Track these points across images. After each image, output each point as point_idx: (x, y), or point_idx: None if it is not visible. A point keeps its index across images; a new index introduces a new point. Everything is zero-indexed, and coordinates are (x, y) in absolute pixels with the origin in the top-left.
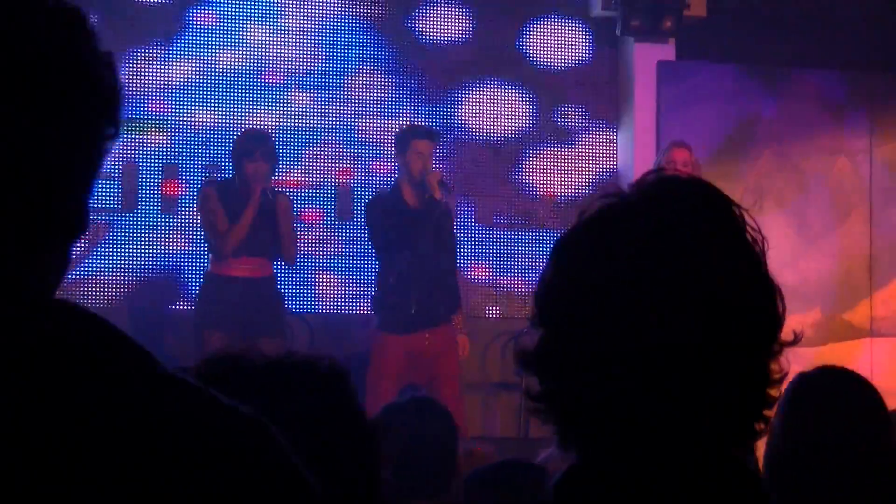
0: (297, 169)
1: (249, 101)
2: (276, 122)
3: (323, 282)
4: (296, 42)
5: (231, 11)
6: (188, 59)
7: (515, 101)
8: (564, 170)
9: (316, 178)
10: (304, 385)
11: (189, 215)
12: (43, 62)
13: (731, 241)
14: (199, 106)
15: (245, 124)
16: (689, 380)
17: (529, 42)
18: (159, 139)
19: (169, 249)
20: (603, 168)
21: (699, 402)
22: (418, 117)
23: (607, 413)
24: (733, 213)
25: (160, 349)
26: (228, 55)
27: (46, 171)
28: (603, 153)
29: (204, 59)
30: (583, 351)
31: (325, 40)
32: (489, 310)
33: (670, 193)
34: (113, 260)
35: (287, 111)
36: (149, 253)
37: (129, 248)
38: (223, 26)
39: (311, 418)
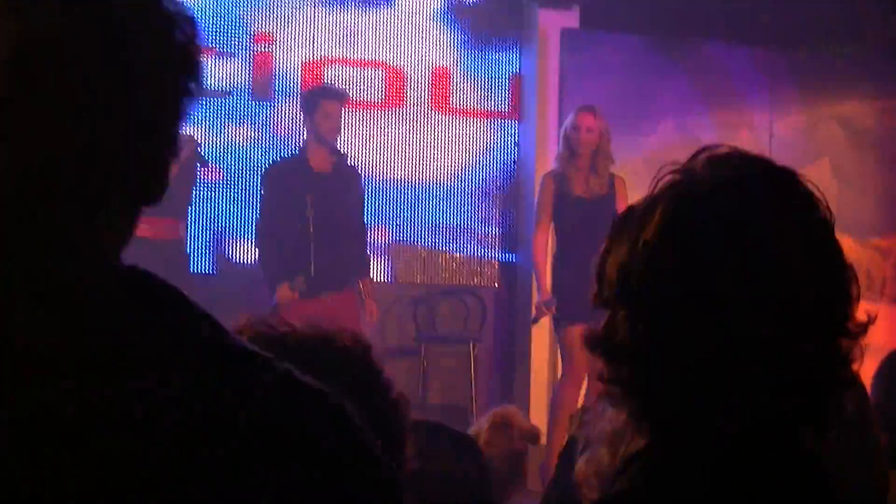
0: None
1: None
2: None
3: (226, 243)
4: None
5: None
6: None
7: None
8: (466, 131)
9: (222, 136)
10: (328, 355)
11: None
12: (117, 14)
13: (807, 217)
14: None
15: None
16: (766, 360)
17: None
18: None
19: None
20: (502, 138)
21: (774, 385)
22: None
23: (683, 397)
24: (804, 188)
25: None
26: None
27: (124, 129)
28: (502, 121)
29: None
30: (660, 336)
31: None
32: (388, 273)
33: (741, 172)
34: None
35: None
36: None
37: None
38: None
39: (340, 391)
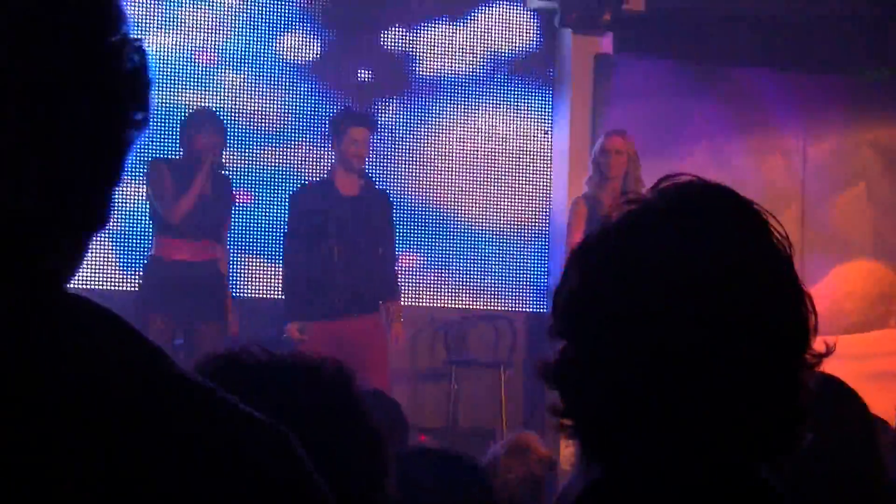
0: (233, 151)
1: (183, 81)
2: (209, 103)
3: (254, 265)
4: (229, 22)
5: None
6: None
7: (451, 87)
8: (497, 165)
9: (250, 159)
10: (309, 386)
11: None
12: (65, 43)
13: (760, 247)
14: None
15: (180, 104)
16: (719, 393)
17: (469, 29)
18: None
19: (108, 230)
20: (537, 162)
21: (728, 417)
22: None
23: (634, 428)
24: (760, 218)
25: None
26: (160, 36)
27: (67, 160)
28: (538, 148)
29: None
30: (610, 365)
31: (259, 21)
32: (419, 298)
33: (696, 200)
34: None
35: (220, 92)
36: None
37: None
38: (157, 7)
39: (318, 422)
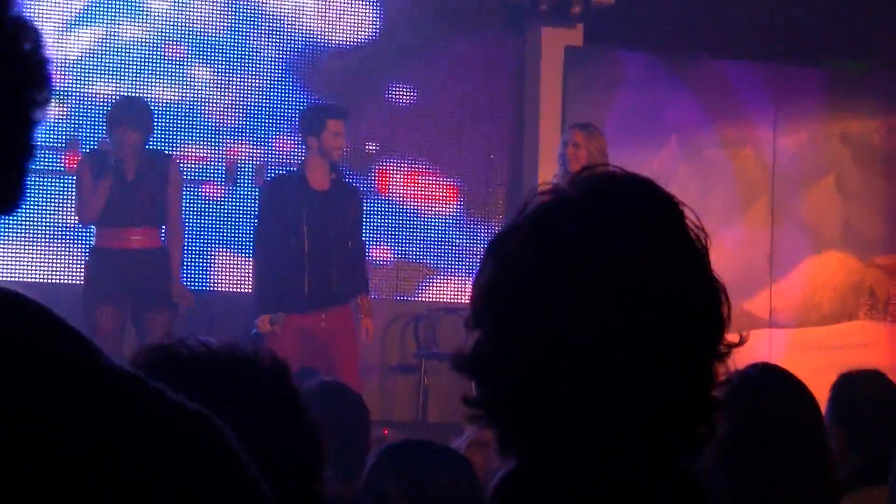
0: (199, 144)
1: (151, 73)
2: (178, 95)
3: (223, 260)
4: (199, 15)
5: None
6: (89, 30)
7: (420, 79)
8: (469, 153)
9: (216, 152)
10: (246, 378)
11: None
12: None
13: (674, 239)
14: (101, 78)
15: (147, 97)
16: (631, 383)
17: (437, 24)
18: (60, 112)
19: (61, 221)
20: (507, 154)
21: (642, 406)
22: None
23: (547, 418)
24: (676, 210)
25: None
26: (130, 27)
27: None
28: (506, 138)
29: (105, 32)
30: (523, 354)
31: (230, 13)
32: (388, 291)
33: (611, 191)
34: (5, 232)
35: (189, 85)
36: (41, 225)
37: (26, 219)
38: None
39: (254, 413)
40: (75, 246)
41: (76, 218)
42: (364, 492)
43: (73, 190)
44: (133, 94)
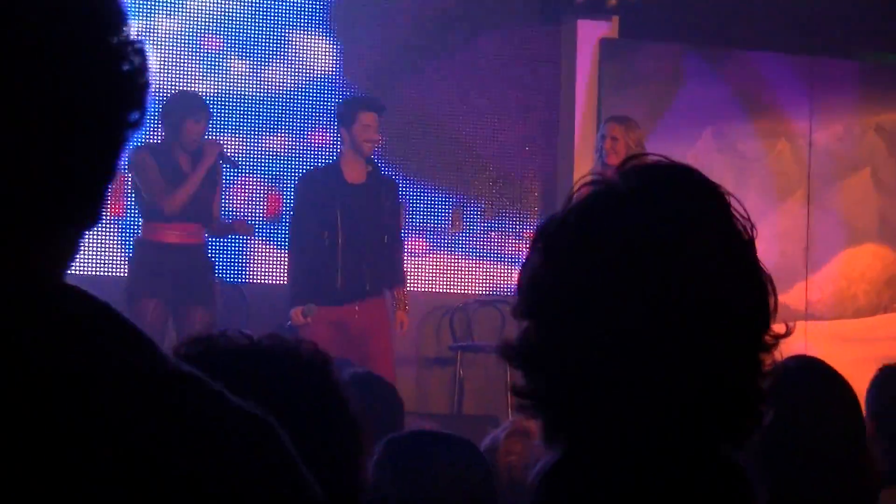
0: (235, 136)
1: (188, 67)
2: (213, 89)
3: (259, 251)
4: (235, 9)
5: None
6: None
7: (456, 73)
8: (505, 146)
9: (251, 145)
10: (287, 370)
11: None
12: (66, 43)
13: (721, 230)
14: None
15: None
16: (678, 374)
17: (473, 18)
18: None
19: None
20: (542, 146)
21: (689, 397)
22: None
23: (594, 408)
24: (722, 201)
25: None
26: (166, 21)
27: (64, 157)
28: (542, 131)
29: (141, 25)
30: (571, 344)
31: (266, 7)
32: (424, 283)
33: (659, 182)
34: None
35: (225, 78)
36: None
37: None
38: None
39: (296, 404)
40: (107, 238)
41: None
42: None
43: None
44: (187, 89)
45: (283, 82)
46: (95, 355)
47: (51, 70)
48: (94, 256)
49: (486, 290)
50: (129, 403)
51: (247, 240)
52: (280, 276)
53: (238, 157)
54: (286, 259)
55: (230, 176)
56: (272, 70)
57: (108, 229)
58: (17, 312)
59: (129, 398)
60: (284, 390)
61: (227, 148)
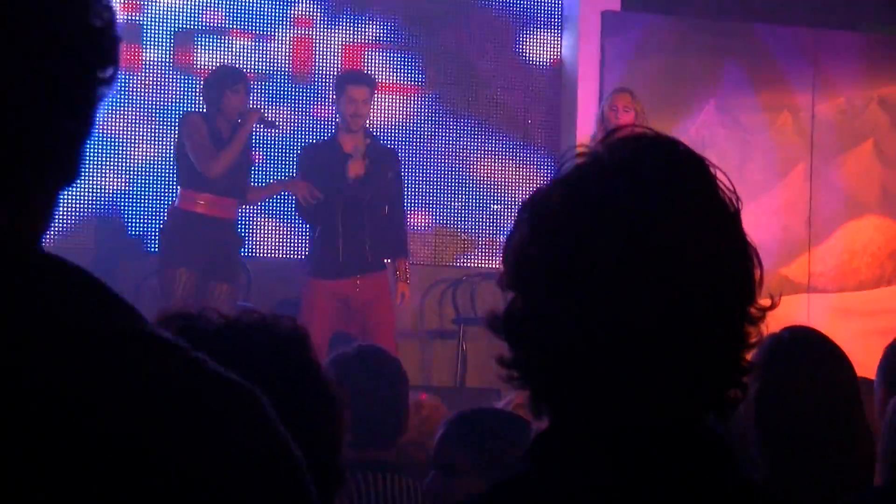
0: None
1: (190, 41)
2: (216, 63)
3: (262, 226)
4: None
5: None
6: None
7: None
8: (508, 117)
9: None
10: (264, 346)
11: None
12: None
13: (706, 202)
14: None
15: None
16: (662, 344)
17: None
18: None
19: (125, 187)
20: (545, 118)
21: (672, 368)
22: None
23: (578, 379)
24: (707, 172)
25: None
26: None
27: (35, 112)
28: (544, 104)
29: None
30: (556, 316)
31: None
32: (427, 256)
33: (644, 154)
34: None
35: (227, 53)
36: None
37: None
38: None
39: (273, 381)
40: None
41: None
42: (433, 464)
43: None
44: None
45: (285, 54)
46: (70, 320)
47: (21, 25)
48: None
49: (488, 264)
50: (108, 368)
51: (246, 211)
52: (283, 250)
53: (277, 120)
54: (288, 233)
55: (269, 141)
56: (274, 41)
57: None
58: None
59: (107, 363)
60: (261, 367)
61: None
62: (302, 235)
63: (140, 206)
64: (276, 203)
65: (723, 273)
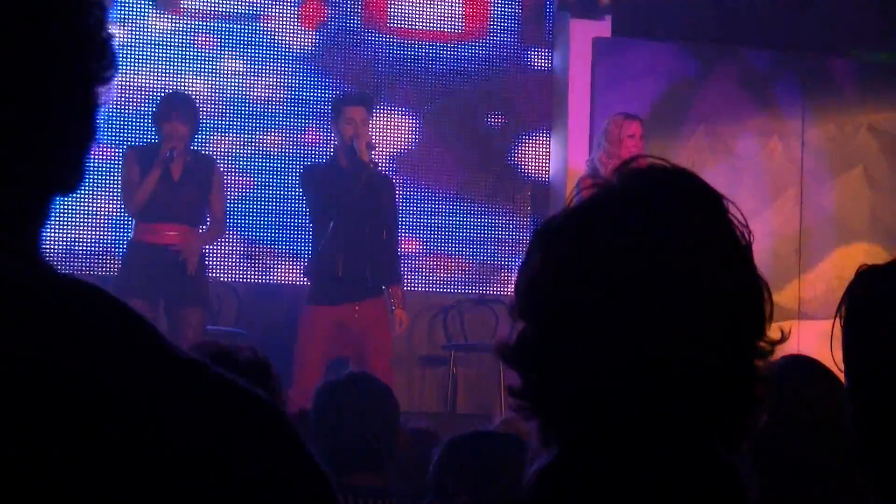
0: (228, 135)
1: (183, 65)
2: (209, 87)
3: (252, 250)
4: (231, 6)
5: None
6: (121, 22)
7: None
8: (497, 145)
9: (247, 144)
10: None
11: (115, 180)
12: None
13: (718, 235)
14: (131, 70)
15: (177, 88)
16: (675, 377)
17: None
18: None
19: (93, 216)
20: (535, 146)
21: (683, 401)
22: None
23: (591, 410)
24: (720, 206)
25: None
26: (162, 19)
27: (31, 114)
28: (534, 130)
29: (137, 23)
30: (567, 346)
31: (262, 5)
32: (417, 282)
33: (657, 186)
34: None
35: (220, 77)
36: (73, 219)
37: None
38: None
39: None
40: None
41: (125, 208)
42: (429, 489)
43: (117, 182)
44: (178, 90)
45: (278, 80)
46: (99, 340)
47: (14, 25)
48: (83, 257)
49: (479, 290)
50: (134, 385)
51: (236, 237)
52: (271, 276)
53: (203, 150)
54: (279, 259)
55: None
56: (267, 67)
57: (103, 230)
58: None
59: (133, 380)
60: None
61: (218, 148)
62: (291, 258)
63: None
64: (265, 228)
65: (734, 306)
